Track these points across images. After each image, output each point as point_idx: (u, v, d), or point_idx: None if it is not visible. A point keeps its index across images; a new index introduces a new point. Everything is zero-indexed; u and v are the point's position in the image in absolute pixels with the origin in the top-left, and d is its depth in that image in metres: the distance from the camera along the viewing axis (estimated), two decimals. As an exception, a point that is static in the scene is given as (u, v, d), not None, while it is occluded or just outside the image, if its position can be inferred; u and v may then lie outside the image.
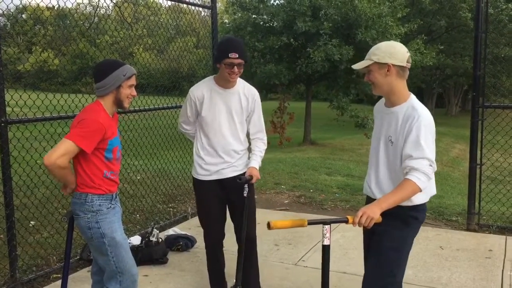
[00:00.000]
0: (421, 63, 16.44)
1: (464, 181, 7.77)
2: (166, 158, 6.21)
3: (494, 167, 6.17)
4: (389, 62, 2.51)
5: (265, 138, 3.61)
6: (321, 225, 2.39)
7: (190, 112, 3.46)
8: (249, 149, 3.59)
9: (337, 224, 5.58)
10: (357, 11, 13.73)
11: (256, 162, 3.47)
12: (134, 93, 2.89)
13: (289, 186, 7.68)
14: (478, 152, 5.45)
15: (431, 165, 2.44)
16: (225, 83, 3.36)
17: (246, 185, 3.34)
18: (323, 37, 13.92)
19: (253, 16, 15.69)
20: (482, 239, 5.13)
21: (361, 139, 16.56)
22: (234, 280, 3.29)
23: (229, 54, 3.18)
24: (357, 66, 2.62)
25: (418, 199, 2.57)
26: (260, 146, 3.55)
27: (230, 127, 3.41)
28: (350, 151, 15.02)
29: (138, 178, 6.88)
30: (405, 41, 16.56)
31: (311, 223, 2.36)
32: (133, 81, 2.86)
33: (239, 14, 16.53)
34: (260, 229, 5.28)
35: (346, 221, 2.43)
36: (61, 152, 2.61)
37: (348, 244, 4.96)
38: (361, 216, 2.40)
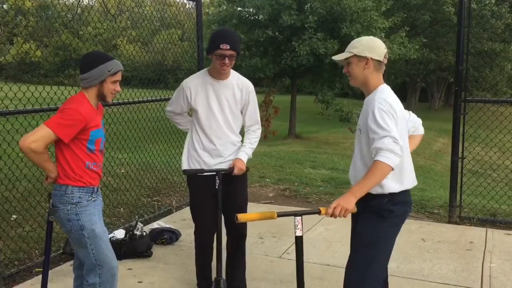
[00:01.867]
0: (404, 56, 16.56)
1: (446, 175, 7.88)
2: (150, 151, 6.18)
3: (475, 160, 6.27)
4: (368, 56, 2.61)
5: (259, 130, 3.60)
6: (299, 218, 2.38)
7: (180, 103, 3.44)
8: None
9: (321, 218, 5.62)
10: (342, 5, 13.76)
11: (244, 154, 3.44)
12: (118, 88, 2.86)
13: (274, 180, 7.70)
14: (460, 146, 5.52)
15: (395, 142, 2.42)
16: (218, 75, 3.34)
17: (217, 177, 3.28)
18: (308, 30, 13.93)
19: (238, 9, 15.63)
20: (463, 231, 5.21)
21: (346, 133, 16.66)
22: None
23: (220, 45, 3.15)
24: (337, 57, 2.72)
25: (390, 187, 2.57)
26: (251, 138, 3.53)
27: (223, 119, 3.38)
28: (335, 144, 15.11)
29: (122, 171, 6.83)
30: (389, 35, 16.67)
31: (280, 215, 2.34)
32: (118, 77, 2.84)
33: (224, 7, 16.45)
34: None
35: (319, 213, 2.42)
36: (36, 136, 2.60)
37: (332, 237, 5.00)
38: (334, 208, 2.40)
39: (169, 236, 4.81)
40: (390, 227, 2.66)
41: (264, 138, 16.07)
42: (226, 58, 3.18)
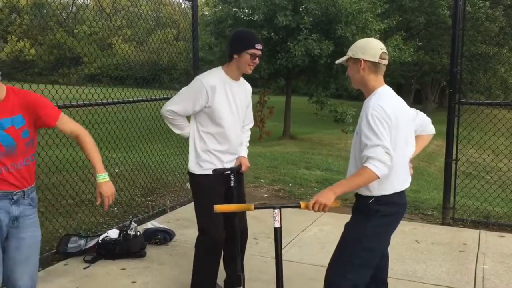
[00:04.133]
0: (399, 59, 16.62)
1: (440, 176, 7.91)
2: (145, 151, 6.16)
3: (469, 162, 6.30)
4: (361, 58, 2.63)
5: (251, 126, 3.67)
6: (277, 210, 2.44)
7: (195, 102, 3.20)
8: None
9: (315, 218, 5.63)
10: (337, 6, 13.79)
11: (245, 151, 3.50)
12: None
13: (268, 180, 7.70)
14: (454, 147, 5.55)
15: (386, 152, 2.45)
16: (237, 75, 3.31)
17: (232, 175, 3.30)
18: (304, 31, 13.95)
19: (234, 9, 15.62)
20: (456, 233, 5.24)
21: (340, 134, 16.70)
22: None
23: (256, 45, 3.16)
24: (337, 61, 2.78)
25: (376, 190, 2.59)
26: (247, 136, 3.59)
27: (239, 119, 3.38)
28: (329, 145, 15.13)
29: (116, 171, 6.80)
30: (385, 37, 16.73)
31: (257, 207, 2.37)
32: None
33: (220, 7, 16.44)
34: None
35: (298, 206, 2.47)
36: None
37: (325, 238, 5.01)
38: (313, 203, 2.46)
39: (163, 236, 4.79)
40: (375, 227, 2.64)
41: (258, 139, 16.08)
42: (257, 58, 3.21)
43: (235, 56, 3.21)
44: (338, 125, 16.32)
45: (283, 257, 4.46)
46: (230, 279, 3.63)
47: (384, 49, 2.67)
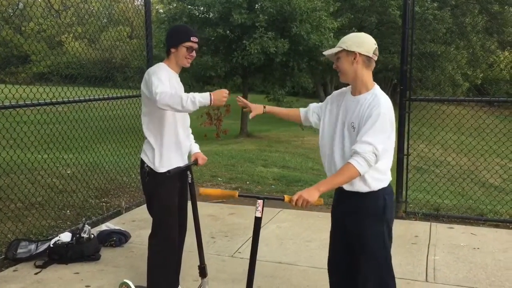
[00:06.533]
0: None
1: (392, 171, 8.12)
2: (98, 151, 6.00)
3: (419, 157, 6.50)
4: (356, 51, 2.60)
5: None
6: (261, 201, 2.51)
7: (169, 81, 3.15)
8: None
9: (273, 215, 5.66)
10: (292, 5, 13.92)
11: (197, 147, 3.54)
12: None
13: (226, 179, 7.68)
14: (405, 143, 5.71)
15: (374, 153, 2.48)
16: (177, 69, 3.31)
17: (189, 172, 3.31)
18: (259, 29, 14.01)
19: (189, 6, 15.48)
20: (409, 226, 5.40)
21: (297, 131, 16.89)
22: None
23: (191, 38, 3.18)
24: (327, 52, 2.71)
25: (374, 184, 2.61)
26: (190, 132, 3.57)
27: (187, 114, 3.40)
28: (286, 143, 15.27)
29: (68, 172, 6.60)
30: (338, 35, 17.03)
31: (241, 195, 2.42)
32: None
33: (175, 4, 16.25)
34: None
35: (282, 199, 2.52)
36: None
37: (284, 235, 5.04)
38: (297, 199, 2.47)
39: (118, 238, 4.69)
40: (389, 221, 2.74)
41: (216, 137, 16.02)
42: (194, 51, 3.23)
43: (173, 50, 3.23)
44: (294, 122, 16.48)
45: (240, 256, 4.48)
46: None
47: (376, 45, 2.68)
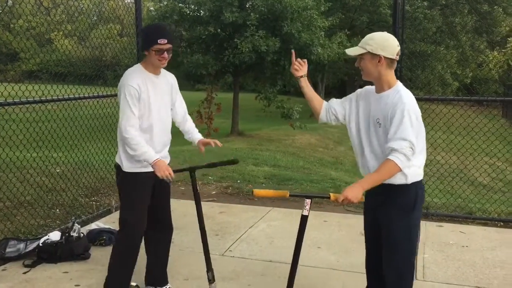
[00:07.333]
0: (344, 55, 17.03)
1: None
2: (88, 149, 5.96)
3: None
4: (381, 54, 2.67)
5: None
6: (309, 200, 2.62)
7: (137, 107, 3.14)
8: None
9: (263, 214, 5.67)
10: (283, 3, 13.92)
11: (200, 135, 3.57)
12: None
13: (217, 177, 7.68)
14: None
15: (411, 147, 2.55)
16: (156, 69, 3.28)
17: (193, 173, 3.31)
18: (250, 28, 13.98)
19: (180, 4, 15.42)
20: (398, 224, 5.42)
21: (288, 130, 16.91)
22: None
23: (159, 40, 3.12)
24: (351, 52, 2.75)
25: (410, 178, 2.68)
26: (192, 122, 3.62)
27: (166, 112, 3.37)
28: (277, 141, 15.28)
29: (58, 171, 6.55)
30: (329, 34, 17.08)
31: (293, 195, 2.56)
32: None
33: (165, 2, 16.18)
34: (187, 220, 5.24)
35: (328, 197, 2.59)
36: None
37: (274, 233, 5.05)
38: (343, 198, 2.53)
39: (108, 237, 4.67)
40: (418, 214, 2.78)
41: (207, 136, 15.97)
42: (165, 52, 3.16)
43: (146, 53, 3.22)
44: (286, 121, 16.50)
45: (231, 254, 4.48)
46: (154, 276, 3.61)
47: (399, 46, 2.75)
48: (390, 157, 2.55)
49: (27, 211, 5.23)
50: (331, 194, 2.57)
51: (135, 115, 3.13)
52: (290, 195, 2.60)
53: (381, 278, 2.88)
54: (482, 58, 23.55)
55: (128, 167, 3.30)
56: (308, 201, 2.62)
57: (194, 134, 3.57)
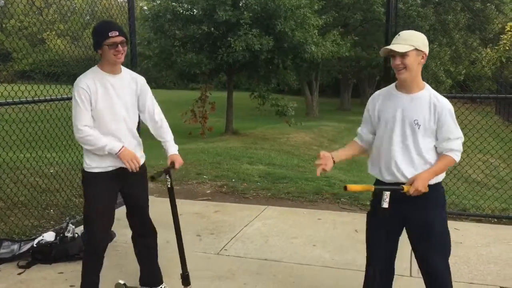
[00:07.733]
0: (338, 53, 17.06)
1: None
2: (81, 150, 5.93)
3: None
4: (425, 51, 2.74)
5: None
6: (388, 192, 2.75)
7: (88, 108, 3.11)
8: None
9: (258, 213, 5.68)
10: (276, 2, 13.92)
11: (175, 148, 3.38)
12: None
13: (211, 176, 7.67)
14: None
15: (462, 143, 2.81)
16: (113, 67, 3.19)
17: (167, 175, 3.23)
18: (244, 27, 13.97)
19: (173, 3, 15.38)
20: (393, 222, 5.44)
21: (282, 128, 16.92)
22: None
23: (109, 33, 3.05)
24: (400, 48, 2.69)
25: (441, 176, 2.87)
26: (169, 131, 3.43)
27: (128, 114, 3.24)
28: (272, 140, 15.28)
29: (52, 171, 6.52)
30: (323, 32, 17.10)
31: (377, 189, 2.78)
32: None
33: (158, 1, 16.14)
34: (183, 220, 5.23)
35: (402, 190, 2.74)
36: None
37: (268, 232, 5.05)
38: (416, 189, 2.70)
39: (103, 237, 4.65)
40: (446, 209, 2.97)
41: (201, 135, 15.96)
42: (119, 45, 3.09)
43: (99, 52, 3.15)
44: (280, 119, 16.51)
45: (227, 253, 4.48)
46: (147, 277, 3.60)
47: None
48: (450, 153, 2.76)
49: (21, 212, 5.20)
50: (404, 187, 2.73)
51: (86, 116, 3.09)
52: (374, 189, 2.79)
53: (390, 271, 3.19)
54: (475, 55, 23.64)
55: (88, 167, 3.28)
56: (387, 193, 2.74)
57: (169, 146, 3.38)
